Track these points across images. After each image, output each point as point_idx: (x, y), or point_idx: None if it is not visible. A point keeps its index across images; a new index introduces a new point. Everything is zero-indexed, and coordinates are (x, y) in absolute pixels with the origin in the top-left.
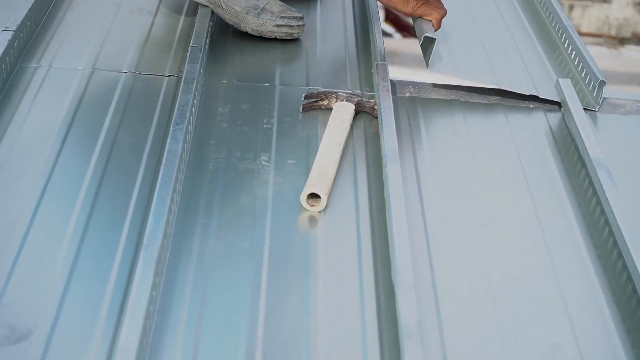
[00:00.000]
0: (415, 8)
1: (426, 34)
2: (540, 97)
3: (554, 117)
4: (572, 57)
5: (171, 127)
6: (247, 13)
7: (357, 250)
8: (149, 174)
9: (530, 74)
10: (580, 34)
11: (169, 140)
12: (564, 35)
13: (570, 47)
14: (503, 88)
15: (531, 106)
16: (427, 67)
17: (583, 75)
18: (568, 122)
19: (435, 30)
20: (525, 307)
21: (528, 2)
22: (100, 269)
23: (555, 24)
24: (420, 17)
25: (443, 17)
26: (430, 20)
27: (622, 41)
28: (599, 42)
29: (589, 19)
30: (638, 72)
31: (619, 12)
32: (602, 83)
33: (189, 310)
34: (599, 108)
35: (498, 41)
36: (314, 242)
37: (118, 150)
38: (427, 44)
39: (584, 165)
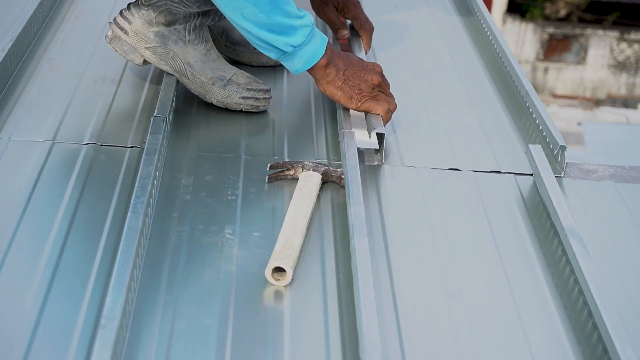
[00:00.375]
0: (359, 104)
1: (374, 130)
2: (502, 172)
3: (525, 182)
4: (536, 122)
5: (132, 200)
6: (213, 84)
7: (324, 326)
8: (109, 250)
9: (492, 146)
10: (555, 96)
11: (129, 214)
12: (526, 101)
13: (532, 112)
14: (461, 169)
15: (502, 171)
16: (383, 162)
17: (547, 141)
18: (539, 189)
19: (385, 123)
20: None
21: (492, 64)
22: (57, 352)
23: (518, 88)
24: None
25: (392, 110)
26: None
27: (597, 103)
28: (574, 104)
29: (564, 81)
30: None
31: (594, 74)
32: (563, 148)
33: None
34: (563, 173)
35: (458, 114)
36: (279, 318)
37: (78, 225)
38: (379, 139)
39: (556, 233)
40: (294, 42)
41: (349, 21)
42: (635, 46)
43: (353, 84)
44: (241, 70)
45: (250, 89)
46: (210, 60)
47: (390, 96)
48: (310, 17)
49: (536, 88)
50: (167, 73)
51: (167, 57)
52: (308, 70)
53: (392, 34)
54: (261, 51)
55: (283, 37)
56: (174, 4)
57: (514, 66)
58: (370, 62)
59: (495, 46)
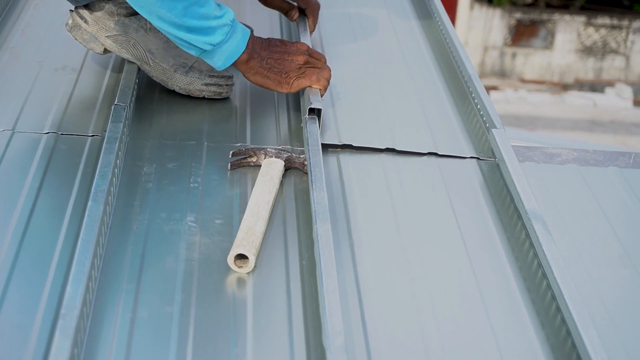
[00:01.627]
0: (290, 87)
1: (310, 106)
2: (439, 153)
3: (488, 166)
4: (478, 107)
5: (92, 189)
6: (175, 71)
7: (287, 313)
8: (70, 239)
9: (432, 128)
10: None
11: (89, 203)
12: (469, 86)
13: (474, 97)
14: (399, 149)
15: (466, 156)
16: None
17: (487, 125)
18: (503, 173)
19: (323, 93)
20: None
21: (439, 49)
22: (17, 341)
23: (462, 72)
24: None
25: (326, 78)
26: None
27: (564, 87)
28: (542, 88)
29: (532, 66)
30: (581, 118)
31: (561, 59)
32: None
33: None
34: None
35: (401, 98)
36: (242, 305)
37: (38, 215)
38: (317, 114)
39: (520, 217)
40: (212, 40)
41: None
42: (602, 31)
43: (279, 69)
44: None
45: (213, 76)
46: (172, 47)
47: (324, 67)
48: (230, 14)
49: (504, 73)
50: (129, 61)
51: (128, 45)
52: (232, 65)
53: (340, 17)
54: (182, 49)
55: (201, 36)
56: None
57: (459, 51)
58: (293, 43)
59: (443, 32)
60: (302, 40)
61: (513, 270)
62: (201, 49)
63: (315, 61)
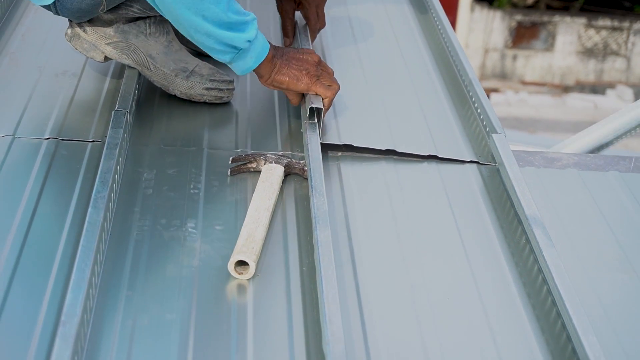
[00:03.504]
0: (310, 85)
1: (312, 105)
2: (440, 156)
3: (488, 171)
4: (478, 111)
5: (93, 195)
6: (175, 75)
7: (287, 319)
8: (70, 245)
9: (432, 131)
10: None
11: (90, 209)
12: (469, 90)
13: (474, 101)
14: (399, 150)
15: (465, 160)
16: (320, 138)
17: (487, 130)
18: (503, 178)
19: (327, 109)
20: None
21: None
22: (17, 349)
23: (462, 76)
24: (314, 94)
25: (336, 90)
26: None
27: (565, 89)
28: (543, 90)
29: (533, 68)
30: (582, 120)
31: (562, 61)
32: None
33: None
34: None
35: (401, 101)
36: (242, 312)
37: (39, 221)
38: (317, 114)
39: (520, 222)
40: (249, 36)
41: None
42: (603, 32)
43: (297, 66)
44: (204, 62)
45: (214, 80)
46: (173, 51)
47: (333, 81)
48: (250, 13)
49: (505, 75)
50: (129, 66)
51: (128, 50)
52: (255, 69)
53: (340, 21)
54: (214, 56)
55: (240, 33)
56: (134, 12)
57: (459, 54)
58: (305, 50)
59: (443, 35)
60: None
61: (513, 276)
62: (237, 48)
63: (325, 74)
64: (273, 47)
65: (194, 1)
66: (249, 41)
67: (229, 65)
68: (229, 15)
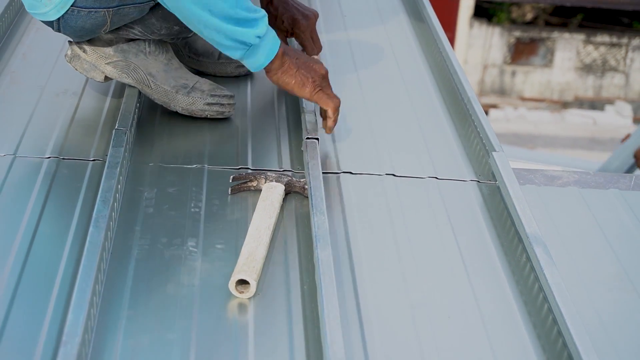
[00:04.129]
0: (313, 93)
1: (307, 137)
2: (438, 178)
3: (489, 189)
4: (477, 130)
5: (94, 214)
6: (176, 92)
7: (288, 339)
8: (71, 265)
9: (431, 152)
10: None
11: (90, 229)
12: (468, 108)
13: (474, 119)
14: (398, 175)
15: (466, 179)
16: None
17: (486, 148)
18: (503, 196)
19: (334, 120)
20: None
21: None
22: None
23: (461, 95)
24: (316, 103)
25: (338, 106)
26: (325, 114)
27: (564, 105)
28: (542, 106)
29: (532, 84)
30: (581, 136)
31: (561, 77)
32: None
33: None
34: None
35: (401, 122)
36: (243, 331)
37: (39, 240)
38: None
39: (520, 240)
40: (259, 32)
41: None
42: (602, 48)
43: (305, 72)
44: (204, 78)
45: (215, 95)
46: (173, 69)
47: (333, 94)
48: (262, 10)
49: (504, 91)
50: (129, 85)
51: (128, 69)
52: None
53: (339, 42)
54: (226, 52)
55: (249, 29)
56: (135, 34)
57: (458, 73)
58: (314, 57)
59: (442, 53)
60: None
61: (514, 294)
62: (248, 44)
63: (328, 87)
64: (284, 45)
65: None
66: (258, 37)
67: (241, 62)
68: (237, 11)
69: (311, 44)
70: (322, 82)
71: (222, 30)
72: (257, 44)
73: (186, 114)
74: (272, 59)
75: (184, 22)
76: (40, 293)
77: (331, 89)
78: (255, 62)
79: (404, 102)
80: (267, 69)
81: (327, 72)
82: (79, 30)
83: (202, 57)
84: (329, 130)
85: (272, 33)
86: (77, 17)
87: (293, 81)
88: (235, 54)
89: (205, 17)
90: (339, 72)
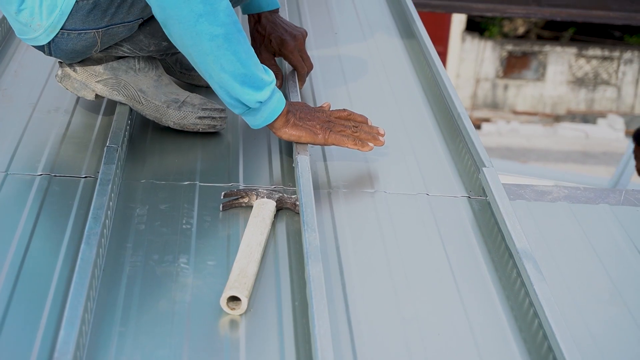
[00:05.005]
0: (327, 138)
1: (298, 154)
2: (429, 194)
3: (479, 204)
4: (468, 145)
5: (85, 232)
6: (167, 107)
7: (280, 355)
8: (63, 282)
9: (422, 168)
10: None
11: (82, 246)
12: (459, 124)
13: (464, 135)
14: (389, 192)
15: (457, 195)
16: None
17: (477, 164)
18: (494, 211)
19: (360, 145)
20: None
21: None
22: None
23: (451, 110)
24: (334, 145)
25: (354, 140)
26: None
27: (556, 119)
28: (534, 120)
29: (524, 97)
30: (573, 149)
31: (553, 90)
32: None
33: None
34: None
35: (392, 138)
36: (235, 347)
37: (31, 257)
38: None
39: (511, 255)
40: (260, 97)
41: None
42: (593, 62)
43: (311, 120)
44: (194, 93)
45: (206, 109)
46: (163, 85)
47: (347, 125)
48: (272, 73)
49: (496, 105)
50: (121, 102)
51: (119, 86)
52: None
53: (330, 59)
54: (226, 106)
55: (252, 90)
56: (124, 51)
57: (449, 89)
58: (315, 107)
59: (433, 69)
60: (291, 97)
61: (504, 310)
62: (247, 106)
63: (338, 123)
64: (289, 104)
65: (213, 47)
66: (259, 102)
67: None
68: (246, 66)
69: (301, 63)
70: (329, 123)
71: (226, 87)
72: (257, 108)
73: (178, 128)
74: (277, 118)
75: (192, 64)
76: (32, 310)
77: (340, 122)
78: (253, 122)
79: (395, 118)
80: (271, 127)
81: (329, 111)
82: (70, 52)
83: (194, 72)
84: (369, 148)
85: (277, 96)
86: (67, 39)
87: (303, 133)
88: (234, 110)
89: (215, 71)
90: (329, 88)
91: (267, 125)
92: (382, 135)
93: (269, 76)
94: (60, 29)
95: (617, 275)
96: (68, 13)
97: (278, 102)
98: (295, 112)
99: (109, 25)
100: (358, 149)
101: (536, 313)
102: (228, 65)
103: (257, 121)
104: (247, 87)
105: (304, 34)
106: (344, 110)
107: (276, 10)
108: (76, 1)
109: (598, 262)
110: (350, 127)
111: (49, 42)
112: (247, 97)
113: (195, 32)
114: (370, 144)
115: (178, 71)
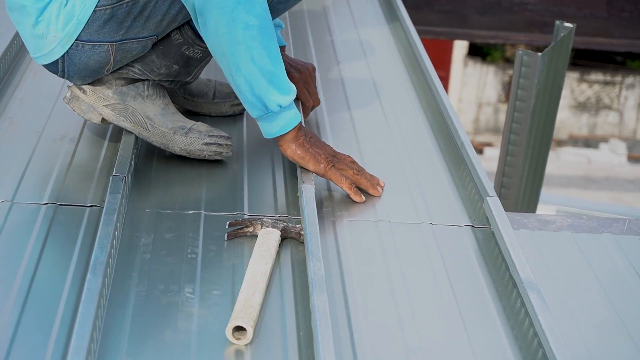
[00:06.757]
0: (327, 169)
1: (302, 183)
2: (433, 224)
3: (483, 234)
4: (472, 175)
5: (91, 261)
6: (174, 133)
7: None
8: (69, 312)
9: (426, 197)
10: None
11: (88, 275)
12: (462, 153)
13: (467, 164)
14: (393, 221)
15: (461, 224)
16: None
17: (481, 193)
18: (498, 241)
19: (355, 193)
20: None
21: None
22: None
23: (455, 139)
24: (329, 179)
25: (351, 183)
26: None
27: (559, 143)
28: None
29: None
30: (575, 174)
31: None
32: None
33: None
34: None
35: (396, 169)
36: None
37: (37, 287)
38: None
39: (515, 285)
40: (283, 101)
41: None
42: (596, 87)
43: (318, 148)
44: (200, 122)
45: (213, 135)
46: (169, 113)
47: (351, 166)
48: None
49: (498, 130)
50: (126, 131)
51: (126, 112)
52: (280, 135)
53: (334, 85)
54: (246, 106)
55: (277, 91)
56: (134, 72)
57: (452, 118)
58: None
59: (435, 96)
60: None
61: (509, 339)
62: (267, 109)
63: (342, 162)
64: (302, 123)
65: (247, 37)
66: (280, 106)
67: (257, 123)
68: (275, 65)
69: (306, 96)
70: (334, 159)
71: (253, 81)
72: (276, 112)
73: (184, 154)
74: (290, 131)
75: (218, 60)
76: (38, 339)
77: (345, 162)
78: (269, 129)
79: (399, 146)
80: (281, 139)
81: (333, 151)
82: (82, 69)
83: (197, 98)
84: (360, 199)
85: (295, 110)
86: (82, 52)
87: (308, 156)
88: (253, 112)
89: (245, 61)
90: (333, 115)
91: (276, 138)
92: (382, 187)
93: (292, 85)
94: (75, 40)
95: (621, 305)
96: (85, 22)
97: (295, 115)
98: (307, 133)
99: (123, 40)
100: (350, 195)
101: (540, 343)
102: (258, 58)
103: (273, 129)
104: (273, 87)
105: (311, 69)
106: (350, 156)
107: (282, 48)
108: (94, 10)
109: (602, 291)
110: (353, 169)
111: (63, 56)
112: (270, 97)
113: (232, 19)
114: (363, 197)
115: (182, 97)
